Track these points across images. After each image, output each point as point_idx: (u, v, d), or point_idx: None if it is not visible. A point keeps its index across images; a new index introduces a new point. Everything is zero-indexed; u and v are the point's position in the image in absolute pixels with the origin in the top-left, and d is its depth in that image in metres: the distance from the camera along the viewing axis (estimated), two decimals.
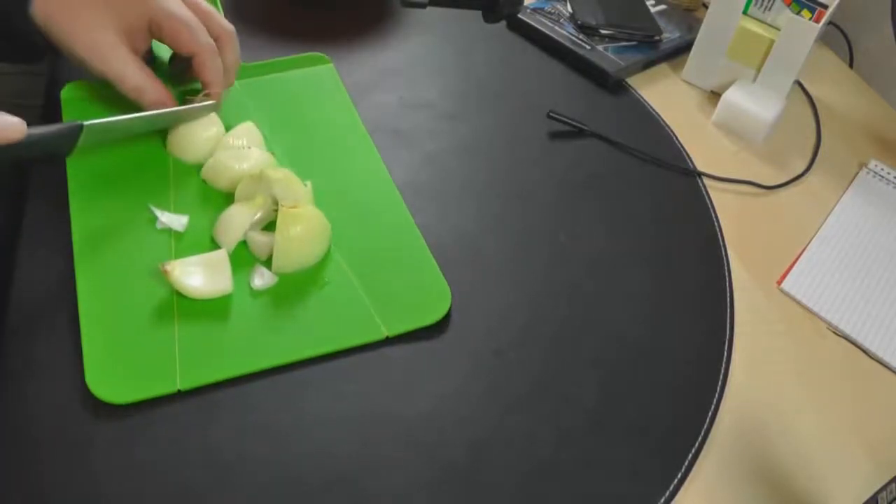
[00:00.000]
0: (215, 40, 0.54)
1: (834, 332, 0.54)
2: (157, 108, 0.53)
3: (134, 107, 0.53)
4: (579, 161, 0.64)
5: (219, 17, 0.56)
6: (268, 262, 0.48)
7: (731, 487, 0.44)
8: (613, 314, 0.52)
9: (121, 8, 0.50)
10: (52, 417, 0.40)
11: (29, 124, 0.44)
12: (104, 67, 0.51)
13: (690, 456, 0.44)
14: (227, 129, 0.55)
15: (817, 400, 0.50)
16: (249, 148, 0.53)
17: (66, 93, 0.57)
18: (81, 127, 0.48)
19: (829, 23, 0.77)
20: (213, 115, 0.55)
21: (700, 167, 0.65)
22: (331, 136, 0.59)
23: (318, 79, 0.64)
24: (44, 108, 0.58)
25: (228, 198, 0.51)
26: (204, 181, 0.53)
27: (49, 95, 0.58)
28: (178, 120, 0.54)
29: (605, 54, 0.74)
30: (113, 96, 0.54)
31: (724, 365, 0.50)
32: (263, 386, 0.43)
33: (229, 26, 0.56)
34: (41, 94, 0.60)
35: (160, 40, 0.54)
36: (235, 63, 0.57)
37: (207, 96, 0.55)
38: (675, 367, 0.49)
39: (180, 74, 0.58)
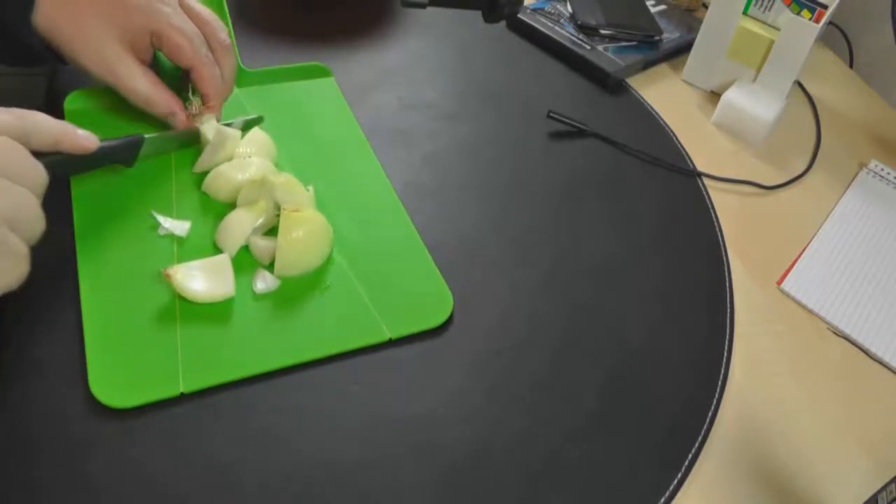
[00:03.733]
0: (212, 52, 0.55)
1: (834, 333, 0.54)
2: (167, 117, 0.54)
3: (140, 115, 0.54)
4: (579, 161, 0.64)
5: (218, 30, 0.56)
6: (270, 267, 0.48)
7: (731, 488, 0.44)
8: (613, 314, 0.52)
9: (123, 20, 0.51)
10: (55, 420, 0.40)
11: None
12: (113, 79, 0.51)
13: (690, 456, 0.45)
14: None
15: (817, 400, 0.50)
16: (250, 157, 0.53)
17: (70, 104, 0.57)
18: (142, 139, 0.51)
19: (829, 23, 0.77)
20: (256, 159, 0.54)
21: (700, 167, 0.66)
22: (331, 143, 0.59)
23: (319, 89, 0.64)
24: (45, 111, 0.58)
25: (230, 204, 0.51)
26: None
27: (49, 99, 0.58)
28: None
29: (605, 54, 0.74)
30: (116, 105, 0.54)
31: (724, 365, 0.50)
32: (266, 389, 0.44)
33: (226, 40, 0.56)
34: (41, 95, 0.60)
35: (161, 52, 0.54)
36: (231, 76, 0.57)
37: (203, 107, 0.55)
38: (675, 367, 0.49)
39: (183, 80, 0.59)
